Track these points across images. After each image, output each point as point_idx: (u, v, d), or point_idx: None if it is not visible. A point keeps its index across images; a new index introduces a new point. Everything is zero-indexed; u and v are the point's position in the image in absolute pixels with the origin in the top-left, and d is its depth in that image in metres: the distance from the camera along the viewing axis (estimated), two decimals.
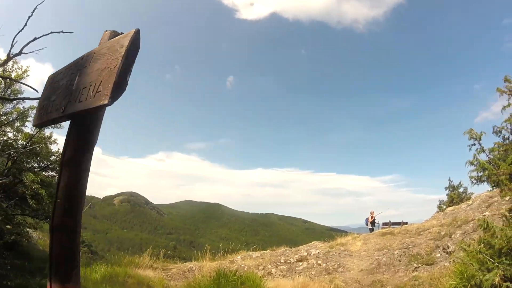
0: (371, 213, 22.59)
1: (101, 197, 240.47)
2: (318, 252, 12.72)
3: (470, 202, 14.63)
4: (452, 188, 25.52)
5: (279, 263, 12.60)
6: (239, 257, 14.65)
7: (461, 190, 24.84)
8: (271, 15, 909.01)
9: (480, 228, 5.35)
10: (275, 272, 12.05)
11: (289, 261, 12.61)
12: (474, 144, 5.56)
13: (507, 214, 5.96)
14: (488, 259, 4.60)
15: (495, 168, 4.84)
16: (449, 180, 25.82)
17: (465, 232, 9.60)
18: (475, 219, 10.32)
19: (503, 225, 4.83)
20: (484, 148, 5.40)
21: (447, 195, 25.64)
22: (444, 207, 23.29)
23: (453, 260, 7.70)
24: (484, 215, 10.08)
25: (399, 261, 10.35)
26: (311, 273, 11.16)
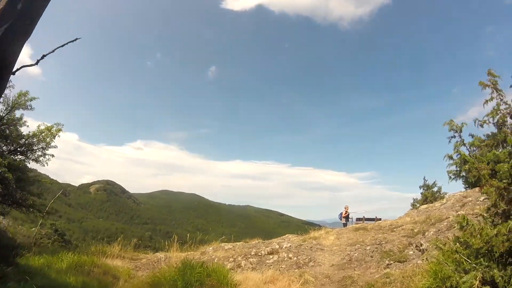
0: (345, 208, 22.55)
1: (76, 185, 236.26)
2: (290, 245, 12.39)
3: (444, 201, 14.65)
4: (427, 187, 25.85)
5: (249, 256, 12.20)
6: (211, 248, 14.30)
7: (435, 189, 25.18)
8: (257, 7, 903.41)
9: (457, 226, 5.03)
10: (245, 265, 11.64)
11: (259, 254, 12.23)
12: (454, 137, 5.21)
13: (485, 214, 5.68)
14: (465, 260, 4.27)
15: (476, 161, 4.49)
16: (424, 179, 26.16)
17: (439, 230, 9.43)
18: (449, 217, 10.19)
19: (481, 224, 4.50)
20: (464, 141, 5.03)
21: (421, 193, 25.96)
22: (418, 205, 23.52)
23: (426, 258, 7.45)
24: (459, 214, 9.96)
25: (371, 257, 10.11)
26: (281, 267, 10.80)
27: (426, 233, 9.70)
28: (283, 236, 15.24)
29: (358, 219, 23.34)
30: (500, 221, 4.78)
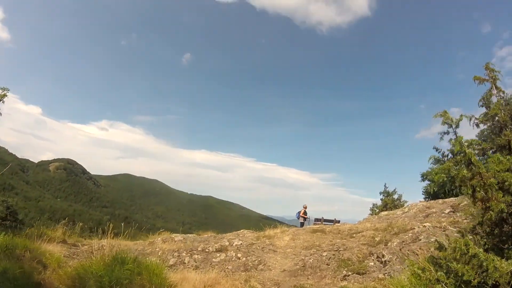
0: (304, 207, 21.82)
1: (36, 161, 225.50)
2: (241, 243, 11.24)
3: (406, 209, 14.10)
4: (387, 193, 25.69)
5: (195, 251, 10.93)
6: (159, 239, 13.13)
7: (395, 196, 25.05)
8: (239, 0, 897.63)
9: (434, 248, 4.02)
10: (189, 262, 10.37)
11: (207, 250, 11.00)
12: (448, 133, 4.20)
13: (464, 232, 4.75)
14: None
15: (483, 167, 3.45)
16: (385, 186, 25.98)
17: (403, 241, 8.60)
18: (414, 228, 9.43)
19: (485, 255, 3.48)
20: (461, 140, 4.00)
21: (381, 199, 25.76)
22: (377, 210, 23.25)
23: (390, 275, 6.54)
24: (425, 226, 9.23)
25: (327, 265, 9.15)
26: (227, 268, 9.62)
27: (389, 244, 8.85)
28: (238, 232, 14.18)
29: (317, 220, 22.69)
30: (490, 245, 3.83)
